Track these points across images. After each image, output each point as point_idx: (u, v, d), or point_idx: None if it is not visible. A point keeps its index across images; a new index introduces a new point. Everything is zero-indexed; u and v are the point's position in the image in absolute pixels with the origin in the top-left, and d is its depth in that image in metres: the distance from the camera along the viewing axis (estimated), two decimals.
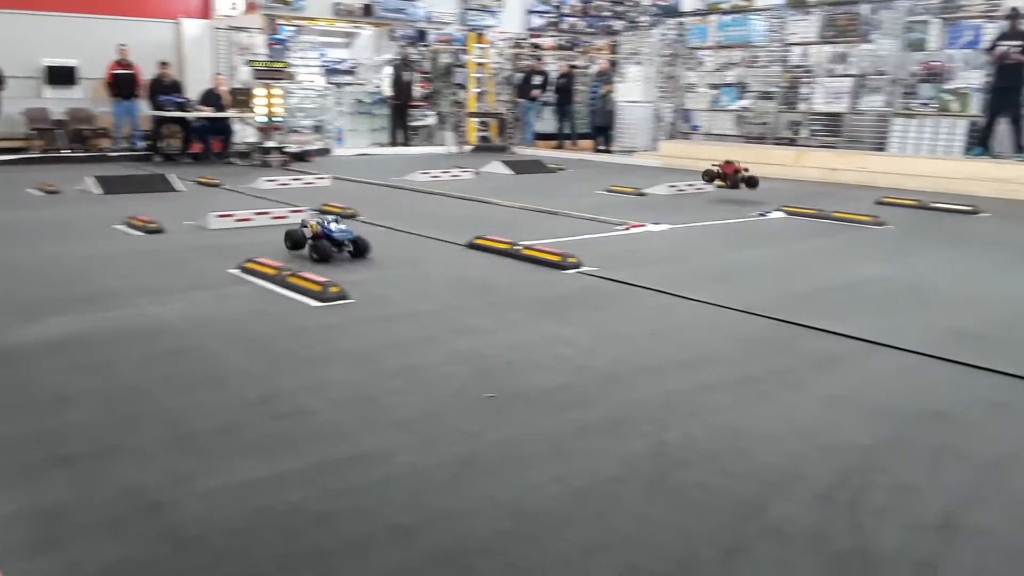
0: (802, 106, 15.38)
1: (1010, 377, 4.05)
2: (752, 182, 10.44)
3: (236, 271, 5.97)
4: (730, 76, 16.75)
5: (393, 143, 18.65)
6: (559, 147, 18.60)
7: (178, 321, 4.80)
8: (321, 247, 6.40)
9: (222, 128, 15.15)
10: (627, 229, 8.11)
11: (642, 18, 19.14)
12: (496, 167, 13.89)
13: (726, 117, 16.48)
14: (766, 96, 15.91)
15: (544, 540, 2.55)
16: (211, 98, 14.95)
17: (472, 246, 7.01)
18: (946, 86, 13.36)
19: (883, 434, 3.39)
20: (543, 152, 17.52)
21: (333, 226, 6.47)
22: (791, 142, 15.23)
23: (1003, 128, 12.50)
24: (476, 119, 19.20)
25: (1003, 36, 12.48)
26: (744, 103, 16.24)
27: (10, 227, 7.92)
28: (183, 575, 2.35)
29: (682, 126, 17.12)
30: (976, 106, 12.94)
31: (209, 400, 3.61)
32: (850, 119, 14.60)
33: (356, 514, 2.68)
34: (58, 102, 16.01)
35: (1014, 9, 12.39)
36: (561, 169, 14.37)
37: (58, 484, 2.83)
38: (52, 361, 4.08)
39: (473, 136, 19.03)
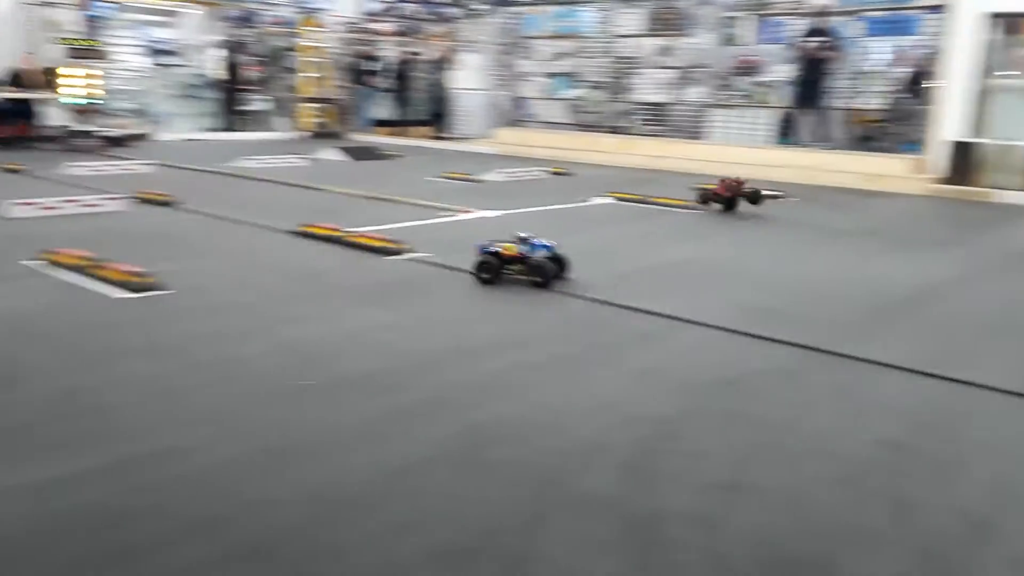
0: (629, 96, 15.99)
1: (797, 347, 4.41)
2: (755, 198, 9.05)
3: (35, 263, 5.60)
4: (563, 66, 17.18)
5: (224, 128, 17.94)
6: (397, 134, 18.47)
7: None
8: (539, 266, 5.41)
9: (25, 110, 14.07)
10: (460, 215, 8.19)
11: (478, 6, 19.26)
12: (331, 154, 13.65)
13: (560, 105, 16.90)
14: (596, 86, 16.43)
15: (354, 523, 2.57)
16: (16, 78, 13.84)
17: (299, 233, 6.88)
18: (758, 79, 14.27)
19: (683, 404, 3.62)
20: (380, 139, 17.34)
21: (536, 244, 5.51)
22: (617, 130, 15.81)
23: (809, 119, 13.49)
24: (312, 105, 18.75)
25: (811, 32, 13.44)
26: (576, 92, 16.70)
27: None
28: None
29: (517, 114, 17.41)
30: (784, 98, 13.89)
31: (1, 400, 3.39)
32: (673, 109, 15.33)
33: (158, 510, 2.61)
34: None
35: (819, 8, 13.38)
36: (398, 156, 14.29)
37: None
38: None
39: (308, 122, 18.58)
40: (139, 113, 16.94)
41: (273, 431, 3.21)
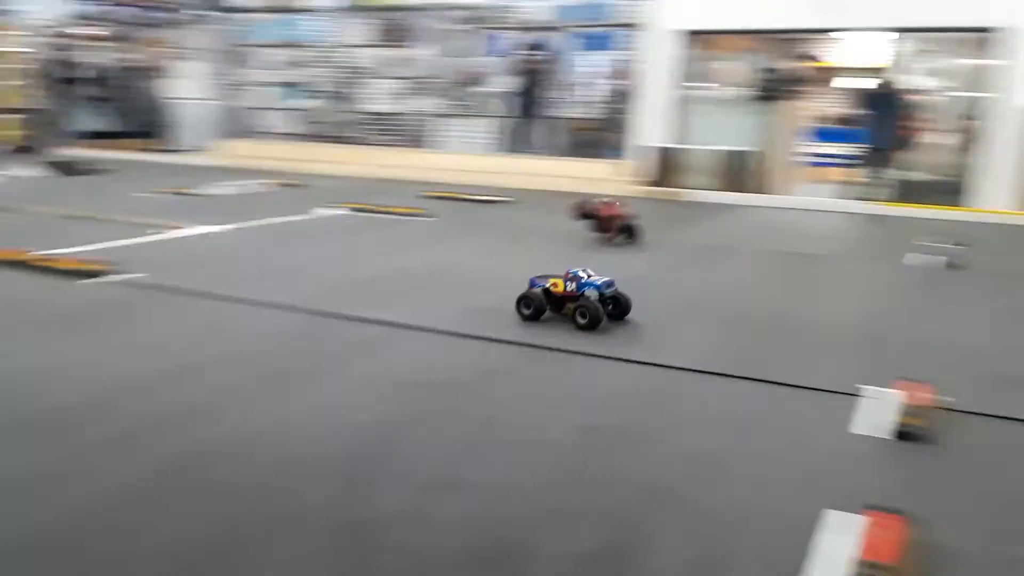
0: (358, 106, 15.95)
1: (514, 344, 4.60)
2: (631, 232, 8.04)
3: None
4: (291, 75, 16.77)
5: None
6: (110, 147, 17.08)
7: None
8: (590, 309, 4.80)
9: None
10: (174, 231, 7.72)
11: (196, 12, 18.31)
12: (32, 170, 12.37)
13: (289, 116, 16.50)
14: (325, 96, 16.22)
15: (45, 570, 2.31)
16: None
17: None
18: (483, 89, 14.80)
19: (402, 407, 3.63)
20: (91, 153, 15.96)
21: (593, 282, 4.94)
22: (349, 140, 15.73)
23: (529, 127, 14.21)
24: (12, 116, 16.88)
25: (530, 47, 14.15)
26: (305, 102, 16.39)
27: None
28: None
29: (243, 124, 16.77)
30: (507, 108, 14.52)
31: None
32: (401, 119, 15.50)
33: None
34: None
35: (536, 23, 14.14)
36: (110, 171, 13.22)
37: None
38: None
39: (10, 135, 16.70)
40: None
41: None
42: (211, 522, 2.60)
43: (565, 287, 4.94)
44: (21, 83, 17.29)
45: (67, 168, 12.82)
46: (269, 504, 2.73)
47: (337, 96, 16.08)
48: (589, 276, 4.94)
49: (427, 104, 15.24)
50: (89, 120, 18.00)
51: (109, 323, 4.78)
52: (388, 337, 4.70)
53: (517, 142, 14.27)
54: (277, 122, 16.60)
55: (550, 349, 4.52)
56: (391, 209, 9.52)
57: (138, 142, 17.35)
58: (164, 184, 11.04)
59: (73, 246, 6.67)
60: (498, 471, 3.05)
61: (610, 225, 8.02)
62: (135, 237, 7.44)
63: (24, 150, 16.05)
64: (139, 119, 17.58)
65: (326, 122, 16.17)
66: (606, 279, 4.97)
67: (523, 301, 5.02)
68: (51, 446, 3.11)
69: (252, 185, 11.39)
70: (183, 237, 7.64)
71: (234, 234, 7.98)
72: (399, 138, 15.42)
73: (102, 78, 17.47)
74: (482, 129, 14.60)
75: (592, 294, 4.87)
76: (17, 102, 17.16)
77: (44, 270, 5.88)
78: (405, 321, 4.93)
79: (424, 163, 13.85)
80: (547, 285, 4.98)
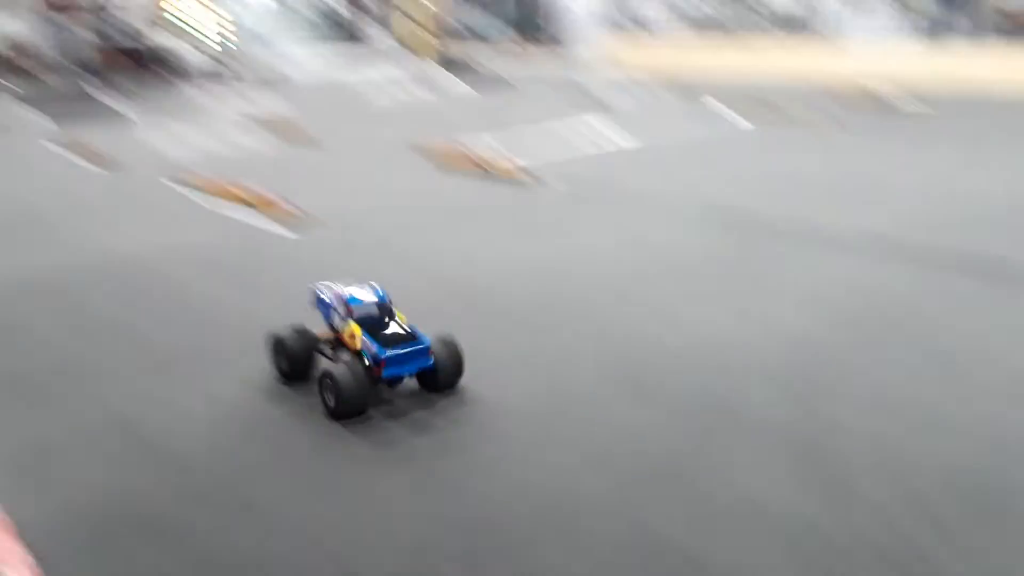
0: None
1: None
2: None
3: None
4: None
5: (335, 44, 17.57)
6: (491, 50, 16.51)
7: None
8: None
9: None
10: (589, 145, 7.87)
11: None
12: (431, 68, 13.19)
13: (678, 7, 15.08)
14: None
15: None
16: None
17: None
18: None
19: (836, 326, 3.53)
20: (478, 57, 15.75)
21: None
22: (744, 34, 14.40)
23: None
24: (410, 18, 17.04)
25: None
26: None
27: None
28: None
29: (628, 17, 15.41)
30: None
31: (172, 324, 3.66)
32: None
33: None
34: None
35: None
36: (505, 81, 13.43)
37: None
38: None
39: (404, 35, 17.20)
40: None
41: None
42: (670, 424, 2.77)
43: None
44: None
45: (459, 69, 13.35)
46: (729, 412, 2.85)
47: None
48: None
49: None
50: (478, 21, 17.73)
51: (547, 227, 5.22)
52: (806, 249, 4.58)
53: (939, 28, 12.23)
54: (665, 14, 15.03)
55: None
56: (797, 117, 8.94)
57: (520, 41, 16.73)
58: (560, 97, 11.11)
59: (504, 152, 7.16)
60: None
61: None
62: (550, 148, 7.68)
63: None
64: (518, 16, 17.09)
65: (722, 13, 14.58)
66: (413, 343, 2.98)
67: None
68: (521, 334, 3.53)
69: (645, 93, 11.22)
70: (595, 154, 7.66)
71: (643, 152, 7.75)
72: (787, 27, 13.59)
73: None
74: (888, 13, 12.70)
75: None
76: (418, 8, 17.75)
77: (489, 175, 6.50)
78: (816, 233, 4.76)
79: (834, 60, 12.47)
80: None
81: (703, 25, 14.66)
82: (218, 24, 14.12)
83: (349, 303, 2.96)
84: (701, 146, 8.03)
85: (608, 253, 4.68)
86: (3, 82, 13.86)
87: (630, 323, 3.66)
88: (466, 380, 3.02)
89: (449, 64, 15.80)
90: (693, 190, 6.10)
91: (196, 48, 14.66)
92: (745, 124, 9.04)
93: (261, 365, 3.20)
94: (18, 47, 15.13)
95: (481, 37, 17.48)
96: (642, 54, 14.38)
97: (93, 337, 3.63)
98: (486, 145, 7.59)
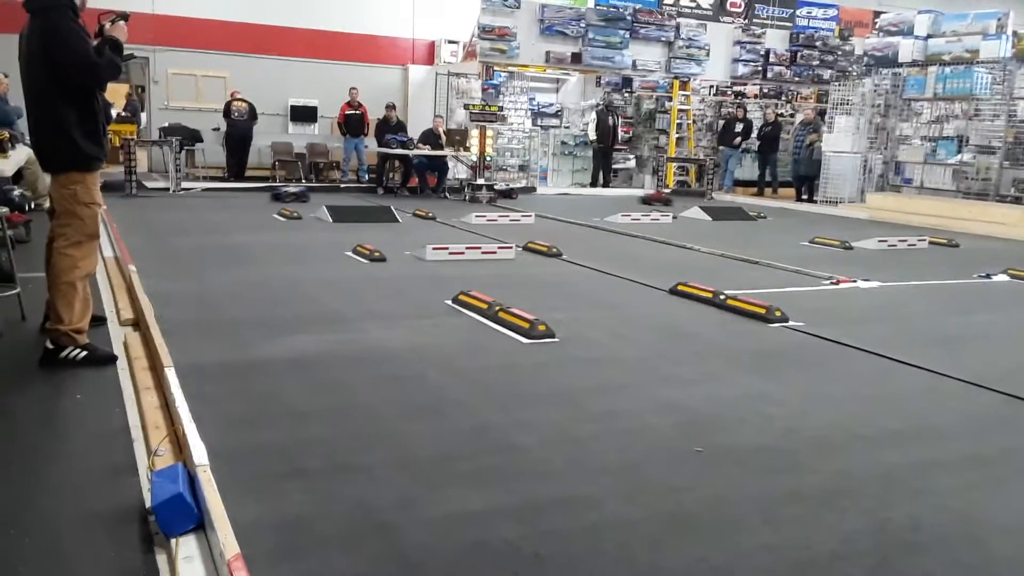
0: None
1: None
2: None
3: (451, 303, 6.18)
4: (949, 129, 15.61)
5: (595, 184, 18.81)
6: (759, 194, 18.02)
7: (402, 348, 5.01)
8: None
9: (438, 165, 15.89)
10: (835, 284, 7.68)
11: (853, 68, 18.25)
12: (695, 212, 13.63)
13: (941, 171, 15.35)
14: (988, 151, 14.66)
15: None
16: (430, 137, 15.72)
17: (674, 292, 6.88)
18: None
19: None
20: (742, 199, 17.05)
21: None
22: (1016, 200, 13.93)
23: None
24: (676, 164, 19.00)
25: None
26: (963, 157, 15.05)
27: (253, 249, 8.64)
28: None
29: (893, 179, 16.11)
30: None
31: (430, 428, 3.72)
32: None
33: (567, 561, 2.65)
34: (299, 137, 17.46)
35: None
36: (761, 217, 13.90)
37: (297, 496, 3.00)
38: (291, 378, 4.36)
39: (672, 180, 18.82)
40: (523, 169, 18.38)
41: (669, 496, 3.13)
42: None
43: None
44: (687, 135, 19.36)
45: (722, 212, 13.86)
46: None
47: (1000, 151, 14.41)
48: None
49: None
50: (742, 170, 19.28)
51: (786, 369, 4.91)
52: None
53: None
54: (929, 177, 15.57)
55: None
56: None
57: (786, 191, 17.97)
58: (813, 233, 11.14)
59: (744, 288, 7.06)
60: None
61: None
62: (800, 285, 7.62)
63: (686, 194, 17.85)
64: (789, 169, 18.17)
65: (984, 179, 14.62)
66: None
67: None
68: (751, 485, 3.25)
69: (902, 241, 10.82)
70: (846, 290, 7.56)
71: (894, 291, 7.62)
72: None
73: (757, 131, 18.51)
74: None
75: None
76: (682, 151, 19.23)
77: (729, 308, 6.36)
78: None
79: None
80: None
81: (974, 192, 14.79)
82: (481, 138, 15.25)
83: None
84: (952, 293, 7.52)
85: (844, 404, 4.29)
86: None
87: (868, 487, 3.25)
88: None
89: (689, 194, 16.81)
90: (947, 350, 5.51)
91: (459, 159, 15.90)
92: (1001, 276, 8.44)
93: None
94: (315, 149, 17.25)
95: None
96: (903, 206, 14.45)
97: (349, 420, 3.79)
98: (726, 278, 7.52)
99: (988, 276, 8.49)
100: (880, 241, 10.55)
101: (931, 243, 10.99)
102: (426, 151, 15.48)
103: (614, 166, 19.38)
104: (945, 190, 15.19)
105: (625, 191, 18.27)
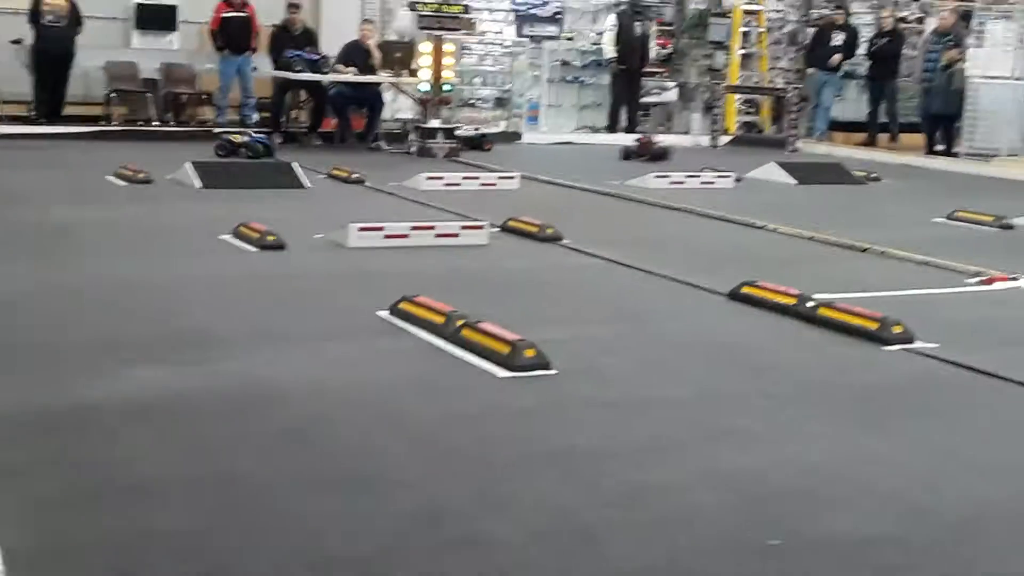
0: None
1: None
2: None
3: (387, 314, 6.18)
4: None
5: (613, 127, 18.86)
6: (870, 144, 18.12)
7: (307, 387, 4.98)
8: None
9: (368, 99, 15.86)
10: (987, 283, 7.73)
11: None
12: (771, 171, 13.67)
13: None
14: None
15: None
16: (356, 55, 15.68)
17: (736, 296, 6.90)
18: None
19: None
20: (844, 151, 17.12)
21: None
22: None
23: None
24: (740, 96, 19.08)
25: None
26: None
27: (79, 231, 8.58)
28: None
29: None
30: None
31: (353, 511, 3.70)
32: None
33: None
34: (149, 55, 17.29)
35: None
36: (874, 179, 13.94)
37: None
38: (133, 433, 4.33)
39: (734, 122, 18.90)
40: (502, 105, 18.40)
41: None
42: None
43: None
44: (758, 51, 19.45)
45: (815, 172, 13.88)
46: None
47: None
48: None
49: None
50: (844, 105, 19.39)
51: (910, 417, 4.94)
52: None
53: None
54: None
55: None
56: None
57: (913, 139, 18.06)
58: (954, 204, 11.18)
59: (846, 290, 7.11)
60: None
61: None
62: (937, 286, 7.67)
63: (756, 143, 17.93)
64: (917, 106, 18.27)
65: None
66: None
67: None
68: None
69: None
70: (1004, 291, 7.62)
71: None
72: None
73: (867, 46, 18.56)
74: None
75: None
76: (752, 77, 19.32)
77: (820, 322, 6.36)
78: None
79: None
80: None
81: None
82: (436, 57, 15.22)
83: None
84: None
85: (1000, 472, 4.33)
86: None
87: None
88: None
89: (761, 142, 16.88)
90: None
91: (401, 89, 15.90)
92: None
93: None
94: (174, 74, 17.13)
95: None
96: None
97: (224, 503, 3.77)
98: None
99: None
100: None
101: None
102: (349, 76, 15.44)
103: (644, 99, 19.45)
104: None
105: (662, 139, 18.32)
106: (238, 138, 13.36)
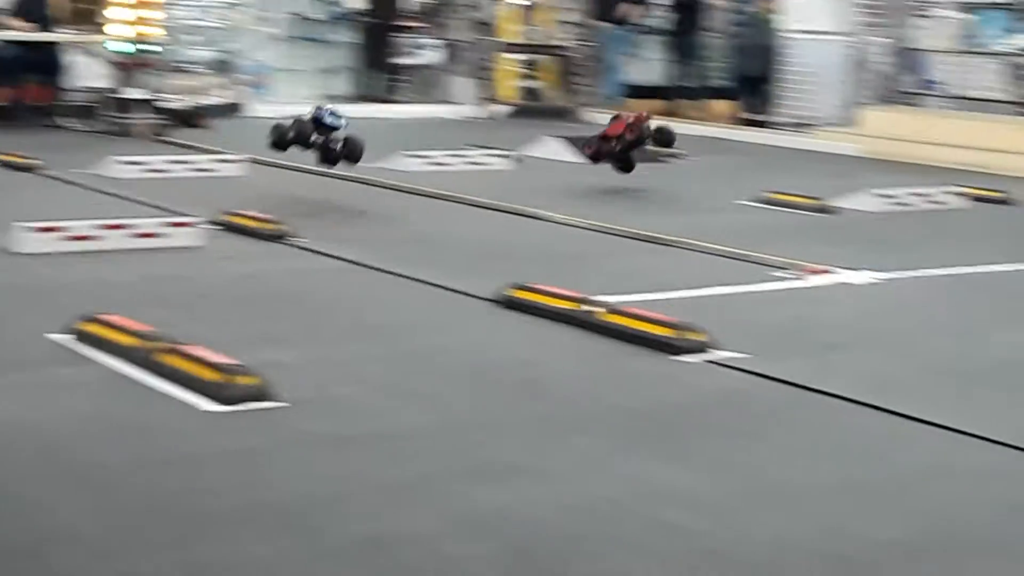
0: None
1: None
2: (664, 138, 12.06)
3: (67, 338, 6.03)
4: None
5: (365, 96, 18.81)
6: (672, 113, 18.57)
7: None
8: (302, 128, 10.10)
9: (43, 63, 15.42)
10: (802, 278, 8.04)
11: None
12: (554, 148, 13.88)
13: (991, 68, 16.37)
14: None
15: None
16: (32, 6, 15.23)
17: (506, 303, 6.99)
18: None
19: None
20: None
21: (329, 118, 10.01)
22: None
23: None
24: (517, 57, 19.32)
25: None
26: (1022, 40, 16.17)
27: None
28: None
29: (905, 82, 17.03)
30: None
31: None
32: None
33: None
34: None
35: None
36: (677, 155, 14.31)
37: None
38: None
39: (511, 88, 19.13)
40: (222, 69, 18.14)
41: None
42: None
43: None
44: (537, 1, 19.68)
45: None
46: None
47: None
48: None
49: None
50: (642, 67, 19.79)
51: (717, 440, 5.11)
52: None
53: None
54: (966, 79, 16.44)
55: None
56: None
57: (721, 106, 18.60)
58: (766, 183, 11.52)
59: (640, 290, 7.32)
60: None
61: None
62: (746, 282, 7.91)
63: (539, 113, 18.19)
64: (725, 68, 18.76)
65: None
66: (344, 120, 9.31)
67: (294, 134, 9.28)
68: None
69: (923, 194, 11.47)
70: (822, 288, 7.95)
71: (905, 288, 8.13)
72: None
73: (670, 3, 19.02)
74: None
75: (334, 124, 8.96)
76: (531, 34, 19.49)
77: (608, 331, 6.50)
78: None
79: None
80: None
81: None
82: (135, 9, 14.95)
83: None
84: (997, 288, 8.24)
85: (814, 503, 4.52)
86: None
87: None
88: None
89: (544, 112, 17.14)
90: (996, 395, 5.92)
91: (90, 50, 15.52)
92: None
93: None
94: None
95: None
96: (923, 130, 15.41)
97: None
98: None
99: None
100: (880, 196, 11.12)
101: (968, 197, 11.71)
102: (18, 34, 14.97)
103: (401, 61, 19.43)
104: (996, 101, 16.19)
105: (424, 109, 18.41)
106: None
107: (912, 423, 5.36)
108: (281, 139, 10.49)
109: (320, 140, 10.30)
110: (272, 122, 11.21)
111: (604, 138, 11.99)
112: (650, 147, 13.98)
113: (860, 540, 4.18)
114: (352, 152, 10.27)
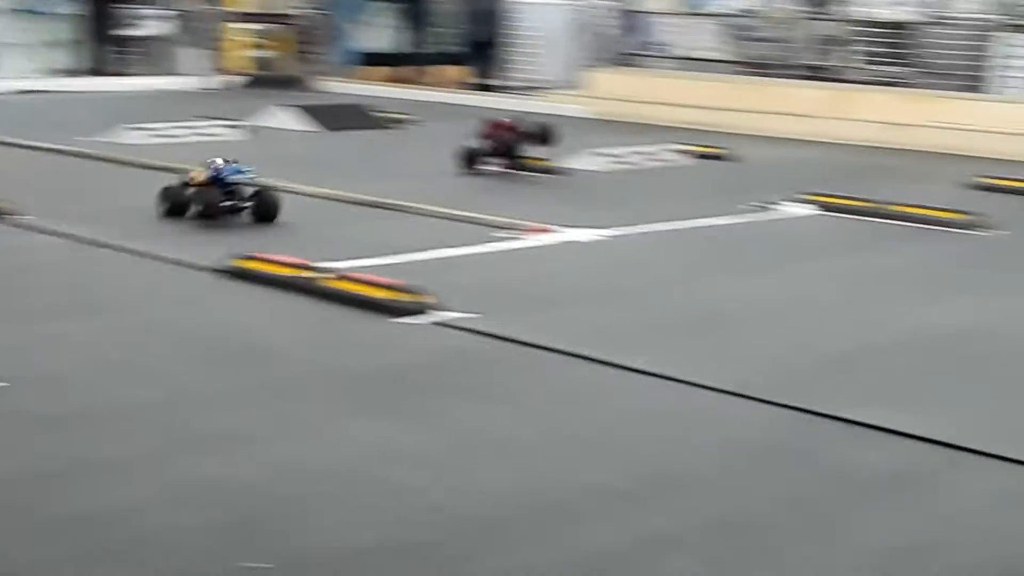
0: (845, 13, 15.81)
1: None
2: (545, 136, 11.45)
3: None
4: None
5: (92, 69, 18.34)
6: (404, 79, 18.55)
7: None
8: (207, 197, 8.55)
9: None
10: (526, 237, 8.19)
11: None
12: (286, 118, 13.76)
13: (709, 30, 16.79)
14: None
15: None
16: None
17: (233, 272, 6.92)
18: None
19: None
20: (373, 89, 17.45)
21: (232, 176, 8.67)
22: (824, 76, 15.64)
23: None
24: (248, 27, 19.06)
25: None
26: (744, 4, 16.59)
27: None
28: None
29: (629, 43, 17.30)
30: None
31: None
32: (930, 38, 15.09)
33: None
34: None
35: None
36: (407, 121, 14.31)
37: None
38: None
39: (243, 59, 18.88)
40: None
41: None
42: None
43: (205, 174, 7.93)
44: None
45: (339, 115, 14.10)
46: None
47: None
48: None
49: (977, 7, 14.69)
50: (373, 35, 19.64)
51: (438, 399, 5.13)
52: (925, 468, 4.60)
53: None
54: (687, 40, 16.81)
55: None
56: (904, 209, 9.29)
57: (452, 71, 18.60)
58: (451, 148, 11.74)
59: (367, 255, 7.34)
60: None
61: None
62: (471, 244, 8.01)
63: (269, 82, 17.99)
64: (455, 34, 18.75)
65: (777, 41, 16.17)
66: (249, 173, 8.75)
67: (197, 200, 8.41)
68: None
69: (647, 153, 11.72)
70: (546, 247, 8.12)
71: (627, 245, 8.32)
72: (920, 73, 14.96)
73: None
74: None
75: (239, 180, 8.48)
76: (262, 3, 19.28)
77: (332, 296, 6.52)
78: (954, 439, 4.77)
79: (969, 119, 13.26)
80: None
81: (767, 63, 16.77)
82: None
83: None
84: (712, 241, 8.49)
85: (528, 454, 4.62)
86: None
87: None
88: None
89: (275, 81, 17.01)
90: (705, 341, 6.12)
91: None
92: (801, 208, 9.66)
93: None
94: None
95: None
96: (647, 91, 15.79)
97: None
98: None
99: (765, 206, 9.59)
100: (607, 156, 11.33)
101: (690, 154, 12.06)
102: None
103: (127, 33, 18.98)
104: (716, 61, 16.68)
105: (155, 81, 18.04)
106: None
107: (631, 372, 5.51)
108: (178, 208, 8.81)
109: (229, 205, 8.68)
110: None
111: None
112: (384, 114, 14.05)
113: (583, 487, 4.29)
114: (268, 211, 8.66)
